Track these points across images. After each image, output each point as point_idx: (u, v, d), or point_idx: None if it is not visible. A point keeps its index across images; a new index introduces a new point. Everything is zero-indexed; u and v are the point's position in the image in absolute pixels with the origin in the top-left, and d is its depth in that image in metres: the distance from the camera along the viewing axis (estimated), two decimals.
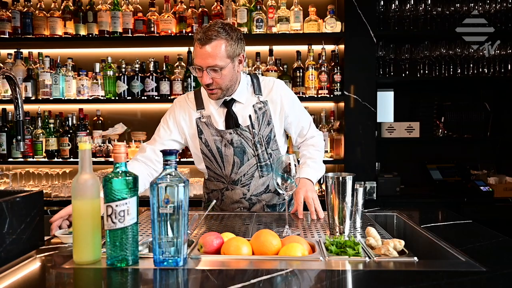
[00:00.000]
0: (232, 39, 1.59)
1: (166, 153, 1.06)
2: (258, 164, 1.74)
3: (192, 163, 3.03)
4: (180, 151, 1.87)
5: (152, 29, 2.97)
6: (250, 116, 1.72)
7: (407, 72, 3.10)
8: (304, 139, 1.90)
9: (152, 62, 3.00)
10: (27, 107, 3.09)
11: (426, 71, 3.11)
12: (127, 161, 1.08)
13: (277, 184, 1.39)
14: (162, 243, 1.03)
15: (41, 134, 3.03)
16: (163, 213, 1.03)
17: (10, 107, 3.14)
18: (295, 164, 1.38)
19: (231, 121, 1.73)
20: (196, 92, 1.82)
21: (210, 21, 2.95)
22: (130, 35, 2.98)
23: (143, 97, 2.99)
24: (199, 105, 1.77)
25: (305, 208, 1.67)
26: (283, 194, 1.41)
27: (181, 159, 2.99)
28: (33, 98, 3.03)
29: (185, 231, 1.05)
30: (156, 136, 1.81)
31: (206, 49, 1.55)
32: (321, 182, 3.02)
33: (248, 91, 1.77)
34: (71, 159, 3.01)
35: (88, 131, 3.08)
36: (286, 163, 1.37)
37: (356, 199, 1.42)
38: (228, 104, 1.73)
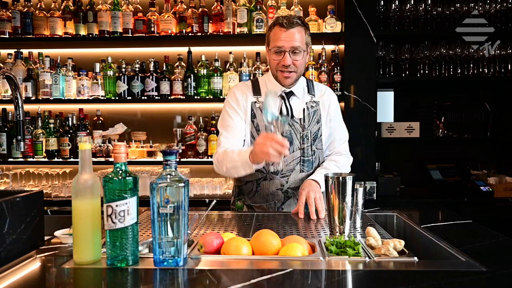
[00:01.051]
0: (307, 29, 1.75)
1: (166, 153, 1.06)
2: (302, 157, 1.80)
3: (192, 163, 3.06)
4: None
5: (152, 29, 2.97)
6: (304, 110, 1.81)
7: (407, 72, 3.10)
8: (331, 152, 1.91)
9: (152, 62, 3.00)
10: (27, 107, 3.09)
11: (426, 71, 3.11)
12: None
13: (267, 122, 1.46)
14: (162, 243, 1.03)
15: (41, 134, 3.03)
16: (163, 213, 1.03)
17: (10, 107, 3.14)
18: (286, 103, 1.55)
19: (287, 111, 1.80)
20: (253, 81, 1.90)
21: (210, 22, 2.98)
22: (130, 35, 2.98)
23: (143, 97, 2.99)
24: (256, 91, 1.84)
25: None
26: (273, 131, 1.48)
27: (181, 159, 2.99)
28: (33, 98, 3.03)
29: (185, 231, 1.05)
30: (228, 124, 1.81)
31: (291, 31, 1.68)
32: None
33: (303, 90, 1.86)
34: (71, 159, 3.02)
35: (88, 131, 3.09)
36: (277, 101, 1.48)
37: (356, 199, 1.42)
38: (286, 95, 1.81)
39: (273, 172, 1.78)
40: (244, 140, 1.82)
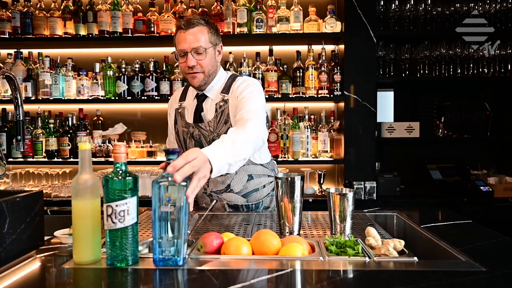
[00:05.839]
0: (212, 28, 1.70)
1: (168, 152, 1.06)
2: None
3: None
4: None
5: (152, 29, 2.97)
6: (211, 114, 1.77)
7: (407, 72, 3.10)
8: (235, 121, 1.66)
9: (152, 62, 3.00)
10: (27, 107, 3.09)
11: (426, 71, 3.11)
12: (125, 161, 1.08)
13: None
14: (162, 242, 1.03)
15: (41, 134, 3.03)
16: (164, 213, 1.03)
17: (10, 107, 3.14)
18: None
19: (197, 115, 1.78)
20: (186, 85, 1.90)
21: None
22: (130, 35, 2.98)
23: (143, 97, 2.99)
24: (182, 97, 1.86)
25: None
26: None
27: None
28: (33, 98, 3.03)
29: (186, 231, 1.05)
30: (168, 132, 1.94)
31: (190, 32, 1.65)
32: (321, 182, 3.01)
33: (218, 90, 1.78)
34: (71, 159, 3.01)
35: (88, 131, 3.08)
36: None
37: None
38: (199, 99, 1.79)
39: None
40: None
